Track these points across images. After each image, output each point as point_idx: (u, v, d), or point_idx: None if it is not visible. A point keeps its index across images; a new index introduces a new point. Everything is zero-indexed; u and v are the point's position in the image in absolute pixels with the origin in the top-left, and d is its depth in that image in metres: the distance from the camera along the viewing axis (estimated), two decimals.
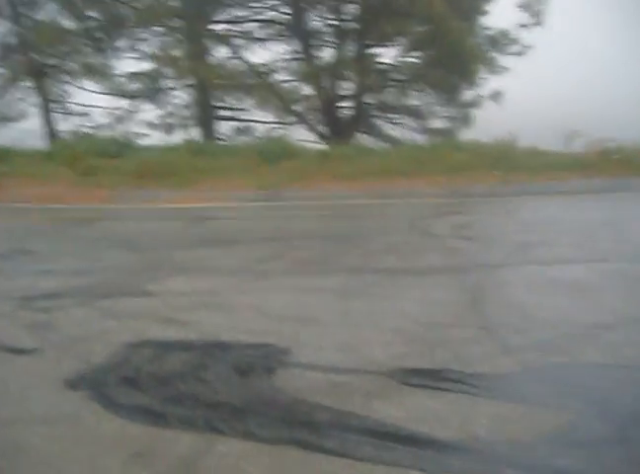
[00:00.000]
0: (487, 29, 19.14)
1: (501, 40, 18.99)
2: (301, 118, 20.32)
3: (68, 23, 20.39)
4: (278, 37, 20.32)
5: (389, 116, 20.76)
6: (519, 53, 19.03)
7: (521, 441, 2.84)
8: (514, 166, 12.98)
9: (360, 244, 7.45)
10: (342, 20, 19.20)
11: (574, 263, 6.12)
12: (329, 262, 6.51)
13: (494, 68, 18.84)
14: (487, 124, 16.52)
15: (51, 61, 21.29)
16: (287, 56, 20.22)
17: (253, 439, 2.92)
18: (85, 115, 22.01)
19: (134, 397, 3.34)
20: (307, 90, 19.67)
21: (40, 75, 21.24)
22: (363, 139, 20.07)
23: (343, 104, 20.23)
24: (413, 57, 19.45)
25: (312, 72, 18.69)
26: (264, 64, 20.02)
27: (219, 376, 3.56)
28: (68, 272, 6.24)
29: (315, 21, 19.91)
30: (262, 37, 20.31)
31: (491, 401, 3.25)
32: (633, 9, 20.39)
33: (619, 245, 6.94)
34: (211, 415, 3.13)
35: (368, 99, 20.25)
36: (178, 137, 19.10)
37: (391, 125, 20.86)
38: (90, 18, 19.97)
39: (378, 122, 21.04)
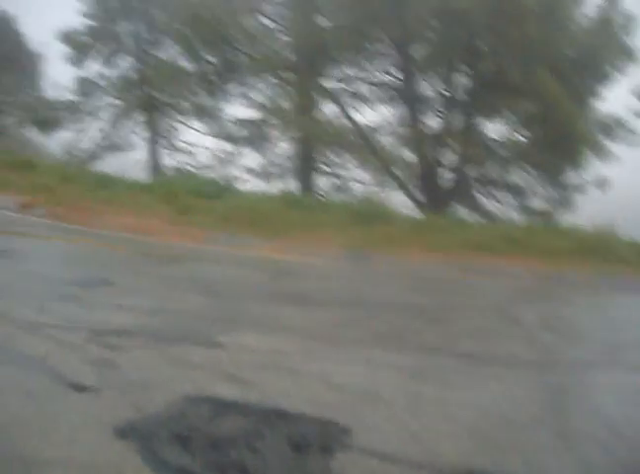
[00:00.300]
0: (600, 113, 18.70)
1: (613, 127, 18.48)
2: (400, 183, 20.26)
3: (186, 64, 21.21)
4: (386, 99, 20.46)
5: (489, 190, 20.45)
6: (630, 142, 18.48)
7: None
8: (612, 257, 12.41)
9: (441, 321, 7.16)
10: (452, 90, 19.16)
11: None
12: (407, 337, 6.25)
13: (602, 154, 18.32)
14: (588, 210, 15.97)
15: (165, 99, 22.12)
16: (394, 120, 20.31)
17: None
18: (189, 153, 22.71)
19: (180, 457, 3.18)
20: (409, 155, 19.62)
21: (152, 110, 22.12)
22: (460, 211, 19.82)
23: (443, 173, 20.03)
24: (520, 134, 19.14)
25: (416, 138, 18.67)
26: (369, 125, 20.16)
27: (273, 449, 3.36)
28: (144, 309, 6.22)
29: (425, 88, 19.97)
30: (370, 98, 20.50)
31: None
32: None
33: None
34: None
35: (470, 171, 20.03)
36: (276, 187, 19.36)
37: (490, 200, 20.51)
38: (207, 61, 20.66)
39: (477, 196, 20.75)
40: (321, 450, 3.41)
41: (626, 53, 18.22)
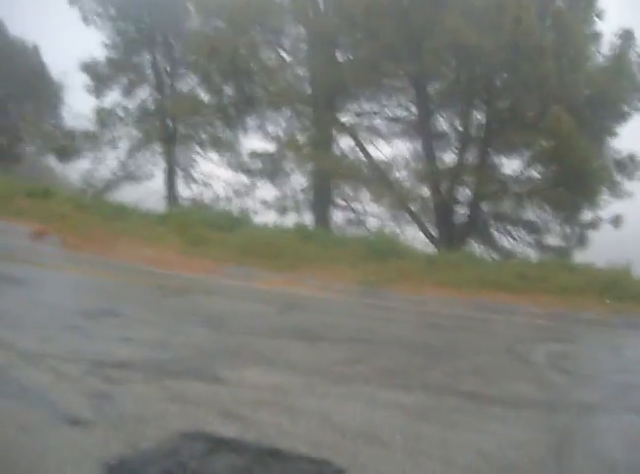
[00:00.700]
0: (615, 151, 18.64)
1: (628, 165, 18.40)
2: (414, 218, 20.23)
3: (204, 95, 21.45)
4: (402, 134, 20.55)
5: (504, 226, 20.37)
6: None
7: None
8: (627, 296, 12.23)
9: (448, 359, 7.06)
10: (468, 125, 19.19)
11: None
12: (412, 375, 6.17)
13: (618, 192, 18.24)
14: (603, 248, 15.85)
15: (183, 130, 22.34)
16: (409, 155, 20.36)
17: None
18: (206, 184, 22.83)
19: None
20: (424, 191, 19.61)
21: (170, 141, 22.31)
22: (475, 247, 19.74)
23: (458, 209, 19.99)
24: (535, 171, 19.09)
25: (431, 173, 18.66)
26: (385, 160, 20.23)
27: None
28: (147, 342, 6.20)
29: (441, 123, 20.04)
30: (386, 132, 20.60)
31: None
32: None
33: None
34: None
35: (485, 207, 19.98)
36: (290, 220, 19.40)
37: (505, 237, 20.42)
38: (224, 93, 20.88)
39: (492, 232, 20.67)
40: None
41: None
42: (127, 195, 19.19)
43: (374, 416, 4.71)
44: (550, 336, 9.44)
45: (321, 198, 21.06)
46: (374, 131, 20.82)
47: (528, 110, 17.01)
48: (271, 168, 21.26)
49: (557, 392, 6.15)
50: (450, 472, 3.82)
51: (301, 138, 20.33)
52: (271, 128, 21.35)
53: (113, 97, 23.66)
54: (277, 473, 3.51)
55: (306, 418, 4.48)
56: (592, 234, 18.92)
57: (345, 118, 20.86)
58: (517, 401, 5.53)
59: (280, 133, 21.09)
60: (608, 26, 18.18)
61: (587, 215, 19.06)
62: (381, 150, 20.68)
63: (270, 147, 21.27)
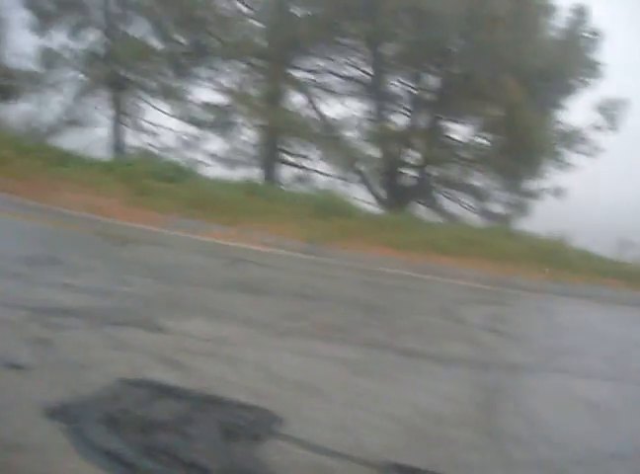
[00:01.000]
0: (561, 124, 19.00)
1: (572, 138, 18.79)
2: (362, 178, 20.30)
3: (156, 43, 20.96)
4: (354, 94, 20.48)
5: (450, 191, 20.62)
6: (588, 154, 18.82)
7: None
8: (563, 264, 12.63)
9: (387, 318, 7.24)
10: (420, 89, 19.26)
11: (603, 379, 5.79)
12: (351, 331, 6.31)
13: (561, 164, 18.65)
14: (544, 218, 16.24)
15: (132, 77, 21.81)
16: (360, 115, 20.33)
17: None
18: (153, 134, 22.40)
19: (109, 441, 3.18)
20: (374, 151, 19.66)
21: (118, 88, 21.77)
22: (420, 210, 19.94)
23: (406, 171, 20.12)
24: (483, 138, 19.32)
25: (382, 135, 18.71)
26: (335, 118, 20.18)
27: (204, 435, 3.39)
28: (89, 290, 6.18)
29: (394, 85, 20.03)
30: (339, 91, 20.50)
31: None
32: None
33: None
34: None
35: (432, 171, 20.16)
36: (239, 174, 19.26)
37: (450, 201, 20.68)
38: (177, 42, 20.47)
39: (438, 196, 20.90)
40: (251, 438, 3.45)
41: (591, 67, 18.57)
42: (72, 141, 18.68)
43: (315, 369, 4.84)
44: (488, 299, 9.71)
45: (271, 154, 20.92)
46: (327, 89, 20.65)
47: (481, 77, 17.12)
48: (221, 121, 20.97)
49: (490, 352, 6.38)
50: (385, 422, 3.97)
51: (254, 92, 20.11)
52: (223, 80, 21.00)
53: (59, 38, 22.82)
54: (215, 419, 3.59)
55: (247, 368, 4.58)
56: (534, 204, 19.32)
57: (298, 75, 20.65)
58: (451, 359, 5.73)
59: (233, 86, 20.78)
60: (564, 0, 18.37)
61: (530, 185, 19.44)
62: (333, 109, 20.59)
63: (221, 100, 20.98)
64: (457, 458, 3.63)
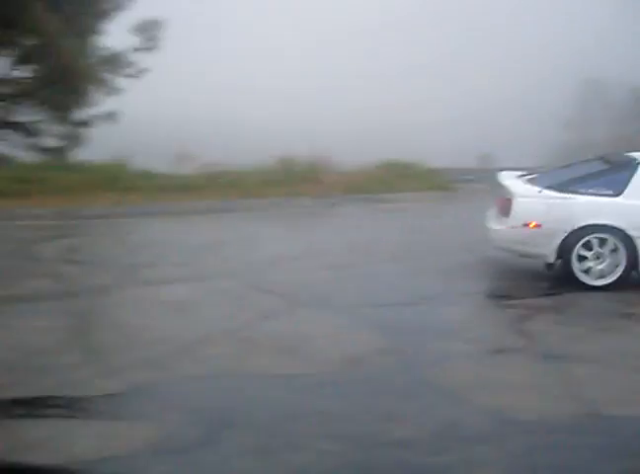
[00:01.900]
0: (102, 49, 19.03)
1: (115, 62, 19.00)
2: None
3: None
4: None
5: None
6: (134, 75, 19.23)
7: (123, 456, 3.00)
8: (127, 187, 13.01)
9: None
10: None
11: (178, 282, 6.47)
12: None
13: (108, 89, 18.78)
14: (103, 145, 16.37)
15: None
16: None
17: None
18: None
19: None
20: None
21: None
22: None
23: None
24: (23, 71, 18.48)
25: None
26: None
27: None
28: None
29: None
30: None
31: (97, 422, 3.37)
32: None
33: (222, 263, 7.45)
34: None
35: None
36: None
37: None
38: None
39: None
40: None
41: None
42: None
43: None
44: (58, 234, 9.67)
45: None
46: None
47: (9, 6, 16.19)
48: None
49: (70, 282, 6.61)
50: None
51: None
52: None
53: None
54: None
55: None
56: (88, 132, 19.21)
57: None
58: (35, 296, 5.86)
59: None
60: None
61: (80, 114, 19.26)
62: None
63: None
64: (66, 379, 3.94)
